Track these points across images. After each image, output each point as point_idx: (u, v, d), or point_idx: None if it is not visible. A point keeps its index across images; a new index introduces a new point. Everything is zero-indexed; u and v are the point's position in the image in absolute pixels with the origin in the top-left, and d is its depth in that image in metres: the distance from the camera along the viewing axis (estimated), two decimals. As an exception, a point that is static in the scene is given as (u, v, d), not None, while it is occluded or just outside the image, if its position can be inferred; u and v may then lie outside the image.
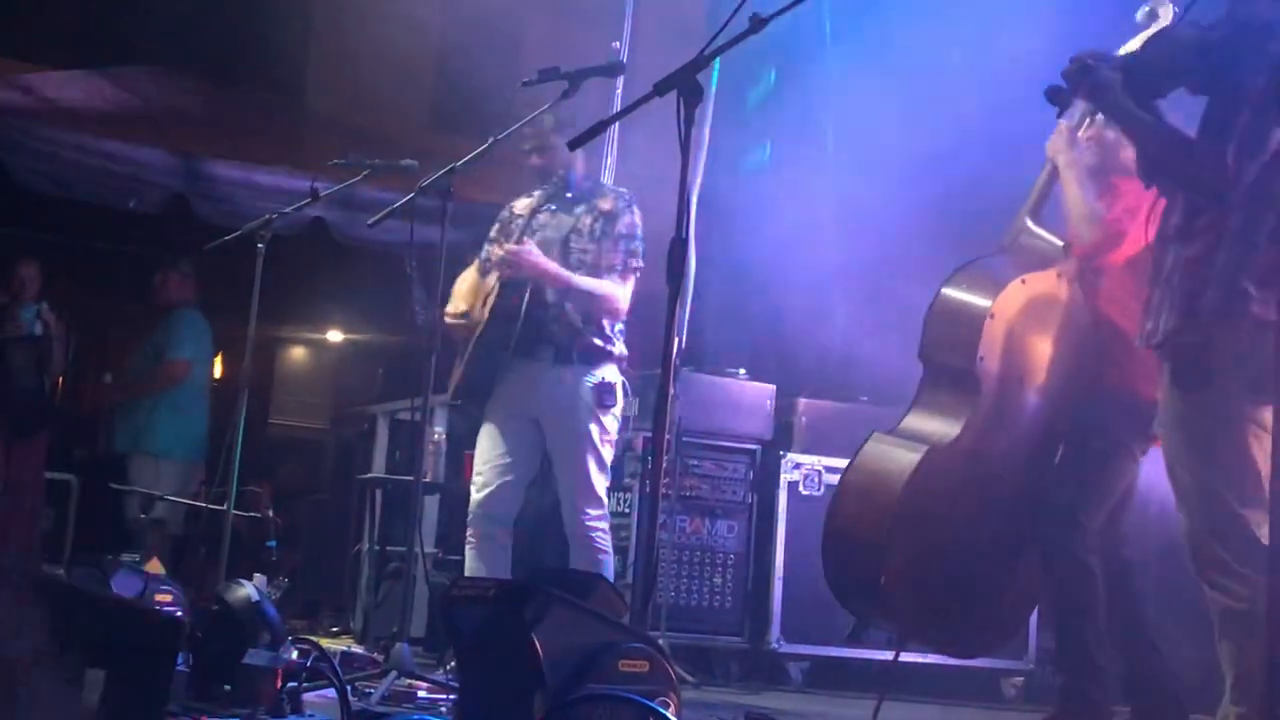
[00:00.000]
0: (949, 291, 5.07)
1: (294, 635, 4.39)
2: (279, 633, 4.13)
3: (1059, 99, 4.26)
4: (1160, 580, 6.87)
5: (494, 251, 5.58)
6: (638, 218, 5.60)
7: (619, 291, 5.51)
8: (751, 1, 3.65)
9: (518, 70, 5.62)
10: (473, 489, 5.60)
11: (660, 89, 3.65)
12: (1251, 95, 3.73)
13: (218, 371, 12.11)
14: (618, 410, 5.56)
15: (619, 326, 5.62)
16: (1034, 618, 6.66)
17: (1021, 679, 7.40)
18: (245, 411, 6.17)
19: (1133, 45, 4.95)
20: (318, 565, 10.03)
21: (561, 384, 5.49)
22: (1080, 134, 5.01)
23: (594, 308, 5.50)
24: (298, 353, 14.67)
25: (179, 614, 4.55)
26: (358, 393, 12.51)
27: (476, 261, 5.75)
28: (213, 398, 8.83)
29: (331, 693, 4.23)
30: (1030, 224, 5.13)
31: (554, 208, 5.65)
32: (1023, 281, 5.01)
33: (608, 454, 5.53)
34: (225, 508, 6.13)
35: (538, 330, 5.47)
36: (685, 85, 3.61)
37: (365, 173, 6.03)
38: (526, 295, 5.43)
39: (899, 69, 7.76)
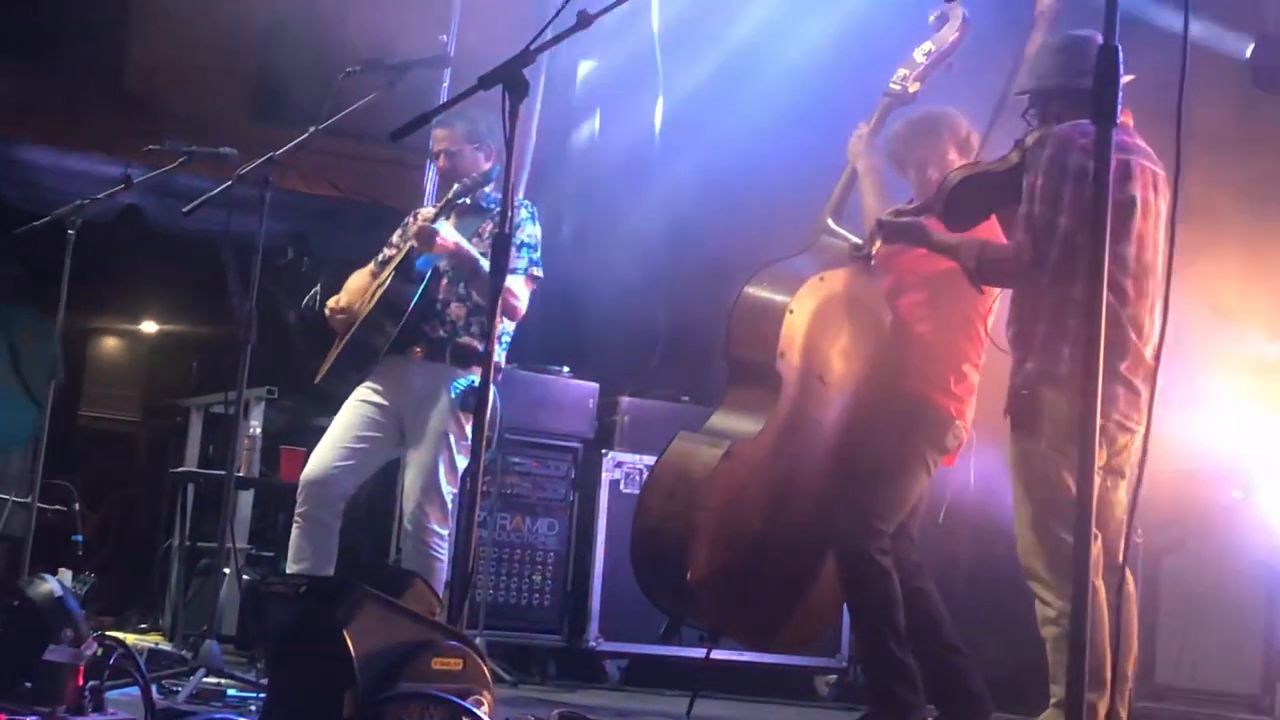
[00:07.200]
0: (751, 290, 5.14)
1: (99, 631, 4.27)
2: (82, 628, 4.01)
3: (861, 254, 4.94)
4: (969, 585, 7.06)
5: (409, 228, 5.40)
6: (538, 230, 5.49)
7: (517, 287, 5.33)
8: (579, -3, 3.65)
9: (341, 60, 5.54)
10: (310, 463, 5.37)
11: (485, 83, 3.63)
12: (1043, 194, 4.26)
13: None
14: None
15: (506, 337, 5.52)
16: (847, 616, 6.76)
17: (835, 677, 7.50)
18: (52, 403, 6.01)
19: (927, 47, 5.11)
20: (127, 561, 9.79)
21: (429, 380, 5.36)
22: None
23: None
24: (109, 343, 14.29)
25: (-24, 609, 4.39)
26: (171, 385, 12.22)
27: (372, 263, 5.63)
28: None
29: (136, 691, 4.13)
30: (831, 223, 5.22)
31: (458, 214, 5.49)
32: (821, 279, 5.09)
33: (461, 462, 5.35)
34: (30, 500, 5.97)
35: (418, 324, 5.34)
36: (510, 80, 3.60)
37: (182, 160, 5.88)
38: (418, 292, 5.30)
39: (730, 59, 7.84)
